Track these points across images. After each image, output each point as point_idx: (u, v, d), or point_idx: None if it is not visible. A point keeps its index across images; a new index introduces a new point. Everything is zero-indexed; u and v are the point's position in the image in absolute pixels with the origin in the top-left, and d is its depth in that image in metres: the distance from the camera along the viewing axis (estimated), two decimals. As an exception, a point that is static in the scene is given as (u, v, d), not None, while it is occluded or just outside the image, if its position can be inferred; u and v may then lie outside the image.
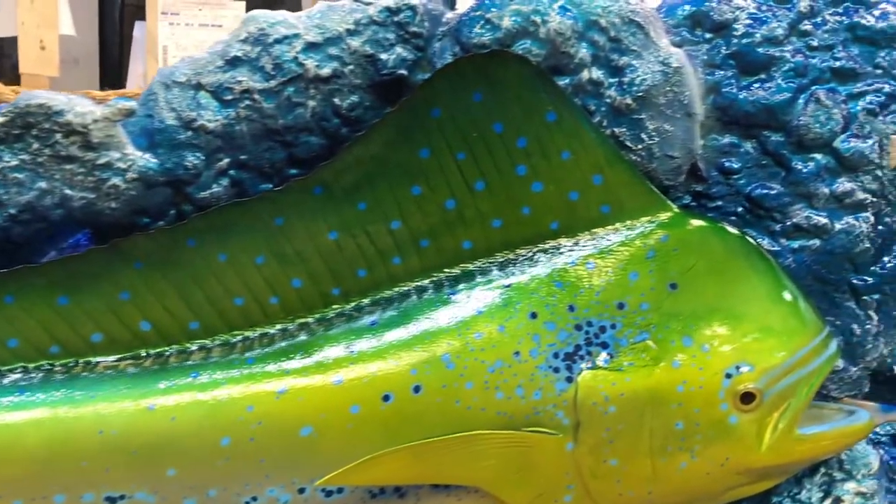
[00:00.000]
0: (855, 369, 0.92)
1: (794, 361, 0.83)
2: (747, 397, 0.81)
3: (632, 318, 0.84)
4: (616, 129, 0.85)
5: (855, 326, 0.91)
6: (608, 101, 0.85)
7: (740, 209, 0.90)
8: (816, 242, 0.89)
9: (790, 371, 0.83)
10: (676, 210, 0.86)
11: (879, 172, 0.88)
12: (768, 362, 0.82)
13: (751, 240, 0.86)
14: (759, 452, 0.83)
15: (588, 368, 0.82)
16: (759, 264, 0.85)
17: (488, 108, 0.84)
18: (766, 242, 0.89)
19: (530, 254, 0.87)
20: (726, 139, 0.88)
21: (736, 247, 0.85)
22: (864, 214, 0.88)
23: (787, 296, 0.84)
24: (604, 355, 0.82)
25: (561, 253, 0.86)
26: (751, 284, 0.84)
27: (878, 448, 0.96)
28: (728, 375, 0.82)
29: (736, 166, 0.89)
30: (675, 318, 0.83)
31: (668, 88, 0.85)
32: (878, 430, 0.97)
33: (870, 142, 0.87)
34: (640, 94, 0.84)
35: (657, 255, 0.85)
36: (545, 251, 0.86)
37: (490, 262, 0.87)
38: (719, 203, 0.90)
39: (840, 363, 0.92)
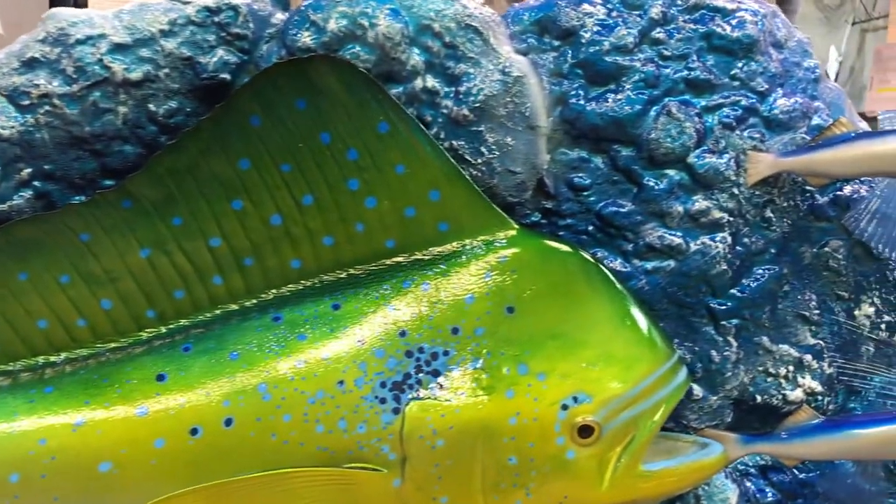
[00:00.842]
0: (715, 398, 0.87)
1: (638, 392, 0.77)
2: (585, 430, 0.76)
3: (466, 344, 0.78)
4: (454, 142, 0.80)
5: (713, 353, 0.86)
6: (444, 111, 0.79)
7: (591, 227, 0.84)
8: (671, 264, 0.84)
9: (633, 402, 0.77)
10: (517, 229, 0.80)
11: (736, 190, 0.83)
12: (608, 393, 0.77)
13: (595, 261, 0.81)
14: (599, 490, 0.77)
15: (416, 399, 0.76)
16: (603, 287, 0.80)
17: (313, 117, 0.77)
18: (617, 263, 0.84)
19: (363, 274, 0.80)
20: (575, 154, 0.83)
21: (579, 268, 0.80)
22: (720, 234, 0.83)
23: (633, 321, 0.79)
24: (434, 384, 0.77)
25: (396, 274, 0.80)
26: (593, 308, 0.79)
27: (746, 480, 0.91)
28: (564, 407, 0.76)
29: (586, 182, 0.83)
30: (511, 345, 0.78)
31: (508, 99, 0.79)
32: (746, 460, 0.92)
33: (725, 157, 0.82)
34: (478, 104, 0.78)
35: (495, 276, 0.79)
36: (379, 272, 0.81)
37: (320, 283, 0.81)
38: (570, 221, 0.85)
39: (699, 392, 0.87)
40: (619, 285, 0.80)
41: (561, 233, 0.85)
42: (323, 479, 0.75)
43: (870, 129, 0.80)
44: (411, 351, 0.77)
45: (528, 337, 0.78)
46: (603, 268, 0.80)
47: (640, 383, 0.77)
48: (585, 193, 0.84)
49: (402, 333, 0.77)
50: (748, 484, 0.90)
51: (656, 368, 0.78)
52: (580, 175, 0.83)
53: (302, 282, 0.81)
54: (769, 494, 0.90)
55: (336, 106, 0.77)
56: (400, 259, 0.80)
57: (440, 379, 0.76)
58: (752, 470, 0.91)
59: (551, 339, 0.78)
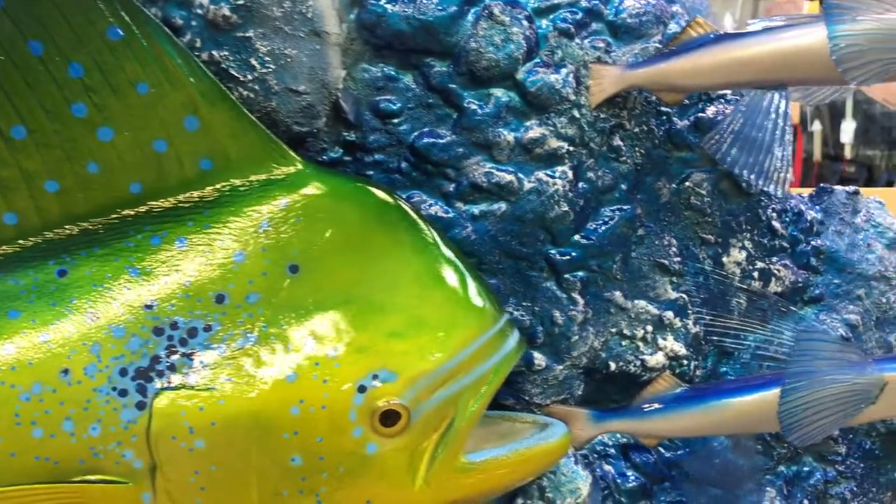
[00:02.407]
0: (560, 367, 0.72)
1: (455, 365, 0.61)
2: (389, 417, 0.60)
3: (234, 316, 0.60)
4: (215, 53, 0.61)
5: (556, 313, 0.71)
6: (199, 11, 0.60)
7: (404, 164, 0.67)
8: (502, 206, 0.68)
9: (450, 378, 0.61)
10: (302, 165, 0.63)
11: (577, 113, 0.67)
12: (417, 368, 0.60)
13: (401, 205, 0.64)
14: (412, 490, 0.61)
15: (168, 389, 0.59)
16: (412, 237, 0.63)
17: (17, 20, 0.58)
18: (438, 208, 0.68)
19: (100, 230, 0.62)
20: (380, 70, 0.66)
21: (380, 214, 0.63)
22: (560, 168, 0.68)
23: (448, 278, 0.63)
24: (191, 370, 0.59)
25: (142, 227, 0.62)
26: (398, 264, 0.62)
27: (604, 462, 0.77)
28: (361, 389, 0.59)
29: (395, 107, 0.66)
30: (294, 313, 0.60)
31: (284, -5, 0.62)
32: (604, 439, 0.78)
33: (563, 72, 0.66)
34: (243, 2, 0.61)
35: (273, 226, 0.62)
36: (120, 226, 0.62)
37: (43, 243, 0.62)
38: (378, 157, 0.67)
39: (541, 361, 0.72)
40: (432, 235, 0.64)
41: (369, 172, 0.68)
42: (43, 498, 0.57)
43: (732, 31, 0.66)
44: (161, 328, 0.59)
45: (317, 303, 0.61)
46: (412, 213, 0.64)
47: (457, 354, 0.61)
48: (395, 121, 0.67)
49: (149, 306, 0.59)
50: (606, 467, 0.76)
51: (478, 335, 0.63)
52: (387, 98, 0.66)
53: (19, 242, 0.61)
54: (631, 479, 0.76)
55: (47, 5, 0.58)
56: (148, 208, 0.62)
57: (199, 362, 0.59)
58: (612, 450, 0.77)
59: (345, 305, 0.61)
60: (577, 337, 0.71)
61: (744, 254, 0.74)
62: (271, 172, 0.63)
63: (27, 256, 0.61)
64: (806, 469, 0.81)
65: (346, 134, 0.67)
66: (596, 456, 0.77)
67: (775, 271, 0.76)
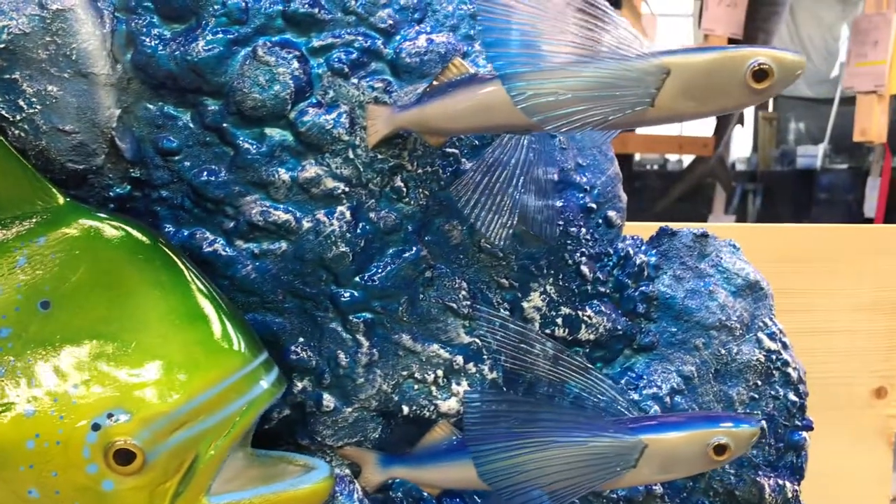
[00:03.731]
0: (350, 410, 0.71)
1: (196, 406, 0.61)
2: (123, 456, 0.60)
3: (-14, 349, 0.63)
4: (-14, 95, 0.64)
5: (341, 355, 0.69)
6: (-27, 55, 0.63)
7: (187, 202, 0.68)
8: (282, 246, 0.67)
9: (190, 419, 0.61)
10: (63, 202, 0.64)
11: (352, 153, 0.66)
12: (153, 409, 0.61)
13: (160, 244, 0.64)
14: (153, 529, 0.62)
15: (-83, 417, 0.61)
16: (165, 277, 0.63)
17: None
18: (219, 245, 0.68)
19: None
20: (159, 109, 0.67)
21: (136, 253, 0.64)
22: (338, 208, 0.67)
23: (198, 318, 0.63)
24: (-61, 400, 0.62)
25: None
26: (148, 303, 0.63)
27: (416, 505, 0.76)
28: (96, 427, 0.60)
29: (174, 145, 0.67)
30: (41, 349, 0.62)
31: (48, 39, 0.63)
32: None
33: (335, 113, 0.65)
34: (7, 45, 0.62)
35: (30, 263, 0.64)
36: None
37: None
38: (164, 193, 0.68)
39: (330, 402, 0.71)
40: (188, 274, 0.64)
41: (156, 207, 0.69)
42: None
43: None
44: (-84, 356, 0.62)
45: (63, 339, 0.62)
46: (168, 252, 0.64)
47: (196, 396, 0.61)
48: (176, 158, 0.67)
49: None
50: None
51: (222, 377, 0.62)
52: (167, 136, 0.67)
53: None
54: (441, 525, 0.75)
55: None
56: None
57: (-50, 392, 0.61)
58: (426, 495, 0.76)
59: (90, 343, 0.62)
60: (362, 379, 0.70)
61: (545, 299, 0.72)
62: (34, 210, 0.65)
63: None
64: (633, 527, 0.77)
65: (132, 171, 0.68)
66: (411, 500, 0.76)
67: (585, 318, 0.72)
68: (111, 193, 0.68)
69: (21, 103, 0.64)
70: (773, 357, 0.77)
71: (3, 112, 0.64)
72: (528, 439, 0.60)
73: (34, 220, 0.64)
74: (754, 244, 0.84)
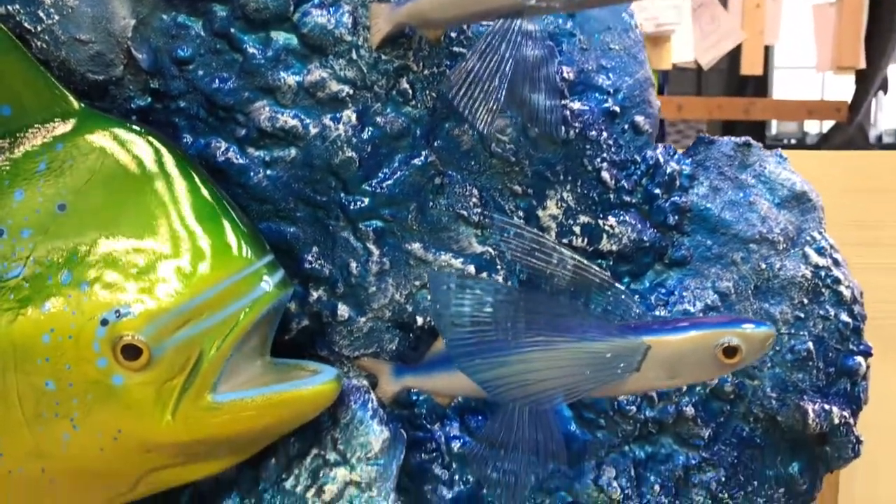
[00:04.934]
0: (364, 319, 0.70)
1: (198, 304, 0.62)
2: (130, 351, 0.62)
3: (9, 249, 0.65)
4: (10, 7, 0.66)
5: (353, 264, 0.68)
6: (-10, -32, 0.66)
7: (202, 111, 0.69)
8: (292, 152, 0.67)
9: (192, 317, 0.62)
10: (80, 109, 0.66)
11: (355, 54, 0.65)
12: (158, 306, 0.62)
13: (168, 148, 0.65)
14: (159, 425, 0.63)
15: (-54, 312, 0.65)
16: (175, 179, 0.64)
17: None
18: (233, 154, 0.68)
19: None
20: (172, 19, 0.68)
21: (144, 156, 0.65)
22: (344, 112, 0.66)
23: (203, 219, 0.63)
24: (-33, 296, 0.65)
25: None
26: (156, 205, 0.64)
27: (437, 423, 0.74)
28: (104, 322, 0.62)
29: (187, 54, 0.67)
30: (58, 249, 0.64)
31: (60, -52, 0.65)
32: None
33: (339, 13, 0.64)
34: (21, -43, 0.65)
35: (49, 167, 0.66)
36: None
37: None
38: (182, 104, 0.69)
39: (344, 312, 0.70)
40: (194, 177, 0.65)
41: (175, 118, 0.70)
42: None
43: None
44: (-52, 257, 0.66)
45: (79, 239, 0.64)
46: (176, 155, 0.65)
47: (202, 293, 0.62)
48: (190, 67, 0.68)
49: (-60, 237, 0.66)
50: (436, 429, 0.73)
51: (228, 275, 0.63)
52: (181, 45, 0.68)
53: None
54: (462, 443, 0.73)
55: None
56: (-38, 152, 0.68)
57: (-24, 289, 0.65)
58: (448, 412, 0.74)
59: (103, 241, 0.64)
60: (374, 288, 0.69)
61: (562, 207, 0.68)
62: (54, 118, 0.67)
63: None
64: (663, 451, 0.72)
65: (151, 82, 0.69)
66: (434, 416, 0.75)
67: (607, 228, 0.68)
68: (132, 105, 0.70)
69: (41, 14, 0.66)
70: (822, 274, 0.70)
71: (25, 23, 0.67)
72: (524, 342, 0.57)
73: (54, 128, 0.67)
74: (825, 172, 0.77)
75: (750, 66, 3.67)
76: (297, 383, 0.65)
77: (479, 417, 0.73)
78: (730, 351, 0.55)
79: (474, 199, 0.67)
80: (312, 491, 0.69)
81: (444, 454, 0.74)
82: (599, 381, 0.56)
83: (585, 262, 0.61)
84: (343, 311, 0.70)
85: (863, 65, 3.69)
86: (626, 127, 0.69)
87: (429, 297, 0.69)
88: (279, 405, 0.64)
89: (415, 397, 0.74)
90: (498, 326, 0.55)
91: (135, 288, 0.63)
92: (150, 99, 0.70)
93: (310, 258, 0.70)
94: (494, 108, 0.55)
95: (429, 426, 0.74)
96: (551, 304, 0.57)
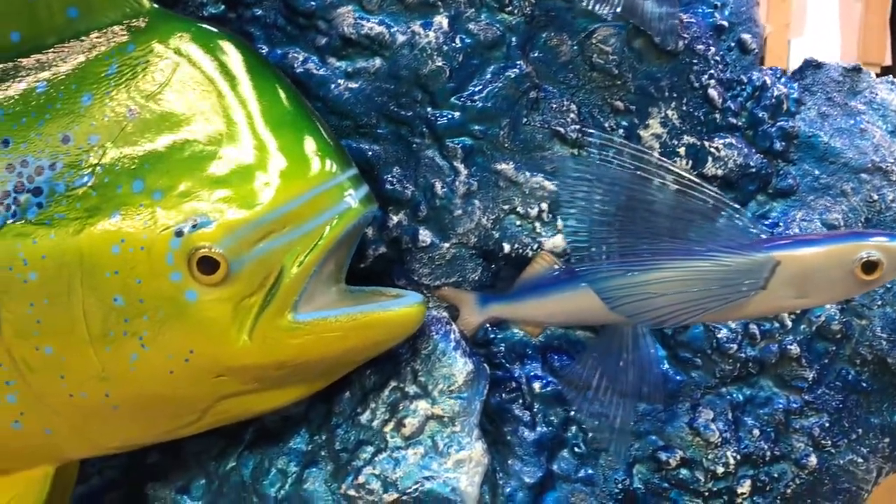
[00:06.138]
0: (447, 246, 0.65)
1: (280, 216, 0.57)
2: (207, 264, 0.57)
3: (76, 156, 0.61)
4: None
5: (437, 184, 0.64)
6: None
7: (280, 20, 0.65)
8: (376, 62, 0.63)
9: (274, 230, 0.58)
10: (152, 9, 0.62)
11: (450, -45, 0.61)
12: (237, 217, 0.57)
13: (246, 51, 0.61)
14: (235, 345, 0.59)
15: (10, 222, 0.61)
16: (250, 85, 0.59)
17: None
18: (312, 65, 0.64)
19: (-19, 75, 0.65)
20: (251, -81, 0.64)
21: (220, 60, 0.60)
22: (435, 19, 0.62)
23: (284, 127, 0.59)
24: (34, 205, 0.61)
25: (15, 74, 0.64)
26: (234, 112, 0.59)
27: (518, 362, 0.70)
28: (179, 233, 0.58)
29: (267, -44, 0.64)
30: (128, 156, 0.60)
31: None
32: (524, 338, 0.70)
33: (432, -90, 0.60)
34: None
35: (120, 71, 0.62)
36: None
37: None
38: (258, 12, 0.65)
39: (426, 237, 0.66)
40: (274, 84, 0.60)
41: (250, 28, 0.66)
42: None
43: None
44: (13, 164, 0.61)
45: (151, 146, 0.60)
46: (255, 59, 0.61)
47: (282, 206, 0.58)
48: (268, -28, 0.64)
49: (5, 142, 0.62)
50: (517, 368, 0.69)
51: (310, 187, 0.58)
52: (259, -52, 0.64)
53: None
54: (545, 383, 0.69)
55: None
56: (23, 59, 0.64)
57: (42, 198, 0.60)
58: (529, 350, 0.70)
59: (177, 149, 0.59)
60: (460, 211, 0.64)
61: (666, 126, 0.63)
62: (124, 19, 0.63)
63: None
64: (763, 394, 0.68)
65: (230, -10, 0.65)
66: (514, 355, 0.70)
67: (712, 150, 0.64)
68: (204, 13, 0.66)
69: (113, -89, 0.62)
70: (940, 206, 0.66)
71: (95, -79, 0.63)
72: (646, 255, 0.53)
73: (125, 29, 0.63)
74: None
75: (775, 59, 3.63)
76: (382, 304, 0.60)
77: (563, 357, 0.69)
78: (869, 266, 0.50)
79: (572, 115, 0.63)
80: (391, 425, 0.64)
81: (525, 394, 0.69)
82: (724, 300, 0.52)
83: (697, 180, 0.57)
84: (425, 236, 0.66)
85: (888, 61, 3.63)
86: (733, 45, 0.65)
87: (518, 223, 0.65)
88: (365, 327, 0.60)
89: (493, 335, 0.70)
90: (625, 230, 0.50)
91: (212, 197, 0.58)
92: (223, 6, 0.66)
93: (391, 179, 0.65)
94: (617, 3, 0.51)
95: (508, 365, 0.70)
96: (674, 216, 0.53)
